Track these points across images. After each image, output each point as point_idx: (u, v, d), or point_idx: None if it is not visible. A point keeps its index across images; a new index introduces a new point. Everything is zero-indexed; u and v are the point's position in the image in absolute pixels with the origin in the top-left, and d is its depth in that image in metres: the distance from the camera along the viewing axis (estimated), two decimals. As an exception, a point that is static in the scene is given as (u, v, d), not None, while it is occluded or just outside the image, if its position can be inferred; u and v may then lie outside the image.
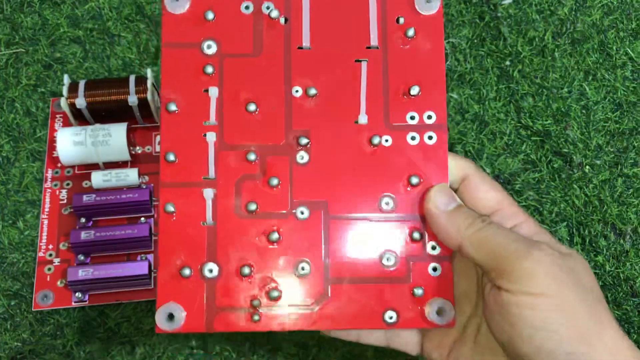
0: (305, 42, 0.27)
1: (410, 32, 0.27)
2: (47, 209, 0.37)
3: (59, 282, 0.35)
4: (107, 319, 0.35)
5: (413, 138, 0.27)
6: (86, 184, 0.38)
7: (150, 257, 0.36)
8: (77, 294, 0.35)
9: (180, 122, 0.26)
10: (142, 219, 0.37)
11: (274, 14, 0.27)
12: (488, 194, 0.28)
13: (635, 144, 0.42)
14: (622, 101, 0.43)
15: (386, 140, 0.27)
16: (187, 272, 0.26)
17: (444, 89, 0.27)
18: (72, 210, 0.36)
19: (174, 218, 0.26)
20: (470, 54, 0.44)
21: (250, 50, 0.27)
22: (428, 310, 0.26)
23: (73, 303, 0.35)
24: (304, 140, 0.27)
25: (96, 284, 0.34)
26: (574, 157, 0.41)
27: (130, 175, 0.37)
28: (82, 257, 0.35)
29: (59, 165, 0.38)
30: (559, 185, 0.40)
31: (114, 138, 0.37)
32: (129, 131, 0.38)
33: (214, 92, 0.27)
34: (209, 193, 0.26)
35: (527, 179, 0.40)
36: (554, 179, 0.41)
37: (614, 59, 0.45)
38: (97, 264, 0.34)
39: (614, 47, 0.45)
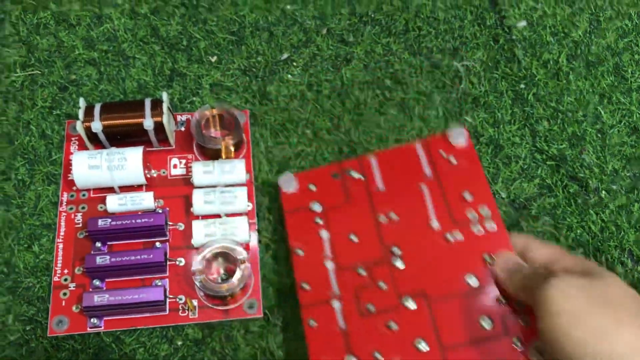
0: (380, 186, 0.37)
1: (453, 161, 0.37)
2: (62, 233, 0.37)
3: (74, 307, 0.35)
4: (123, 345, 0.35)
5: (477, 229, 0.35)
6: (101, 207, 0.38)
7: (165, 282, 0.36)
8: (92, 319, 0.34)
9: (307, 260, 0.35)
10: (158, 243, 0.37)
11: (355, 175, 0.37)
12: (543, 250, 0.33)
13: (652, 169, 0.42)
14: (637, 125, 0.43)
15: (458, 236, 0.35)
16: None
17: (488, 190, 0.36)
18: (87, 234, 0.36)
19: (317, 328, 0.33)
20: (484, 76, 0.44)
21: (343, 201, 0.37)
22: (531, 353, 0.32)
23: (88, 329, 0.34)
24: (396, 251, 0.35)
25: (112, 309, 0.34)
26: (590, 182, 0.41)
27: (146, 200, 0.37)
28: (97, 282, 0.35)
29: (74, 188, 0.38)
30: (575, 211, 0.40)
31: (129, 162, 0.37)
32: (145, 155, 0.38)
33: (325, 234, 0.36)
34: (337, 305, 0.34)
35: (543, 204, 0.40)
36: (570, 204, 0.40)
37: (629, 81, 0.45)
38: (112, 290, 0.34)
39: (629, 70, 0.45)
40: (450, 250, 0.34)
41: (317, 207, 0.37)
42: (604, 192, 0.41)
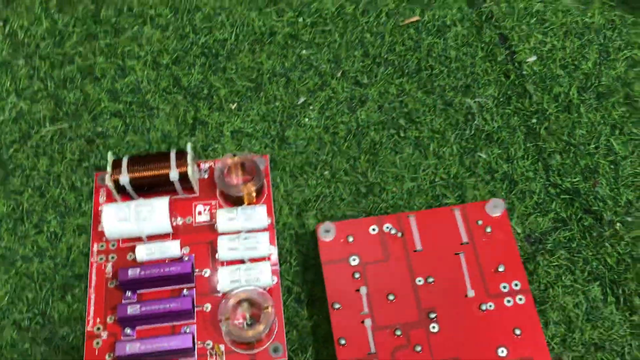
0: (418, 246, 0.38)
1: (488, 229, 0.39)
2: (93, 283, 0.38)
3: (107, 356, 0.36)
4: (154, 391, 0.36)
5: (509, 301, 0.37)
6: (130, 256, 0.39)
7: (194, 328, 0.37)
8: (125, 367, 0.36)
9: (344, 314, 0.36)
10: (185, 290, 0.38)
11: (393, 231, 0.38)
12: None
13: (666, 199, 0.42)
14: (650, 155, 0.44)
15: (490, 306, 0.37)
16: None
17: (521, 265, 0.38)
18: (118, 284, 0.38)
19: None
20: (497, 112, 0.45)
21: (382, 257, 0.38)
22: None
23: (121, 376, 0.36)
24: (432, 315, 0.36)
25: (142, 357, 0.35)
26: (605, 215, 0.42)
27: (172, 248, 0.39)
28: (128, 330, 0.37)
29: (104, 239, 0.40)
30: (591, 244, 0.41)
31: (156, 213, 0.38)
32: (171, 204, 0.39)
33: (363, 290, 0.37)
34: None
35: (558, 238, 0.41)
36: (585, 237, 0.41)
37: (640, 112, 0.45)
38: (143, 339, 0.36)
39: (640, 100, 0.46)
40: (483, 320, 0.36)
41: (355, 261, 0.38)
42: (618, 224, 0.41)
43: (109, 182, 0.39)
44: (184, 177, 0.39)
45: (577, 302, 0.39)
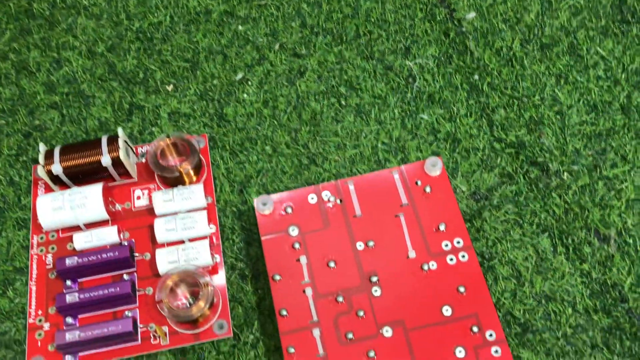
0: (358, 212, 0.38)
1: (427, 189, 0.38)
2: (34, 275, 0.38)
3: (49, 347, 0.36)
4: (99, 378, 0.36)
5: (451, 259, 0.36)
6: (70, 246, 0.39)
7: (136, 311, 0.37)
8: (67, 357, 0.35)
9: (285, 285, 0.36)
10: (125, 275, 0.38)
11: (332, 199, 0.38)
12: None
13: (614, 145, 0.41)
14: (596, 102, 0.43)
15: (432, 265, 0.36)
16: None
17: (462, 222, 0.37)
18: (57, 274, 0.37)
19: (296, 356, 0.34)
20: (438, 72, 0.45)
21: (321, 226, 0.37)
22: None
23: (64, 366, 0.36)
24: (374, 279, 0.36)
25: (84, 345, 0.35)
26: (551, 165, 0.41)
27: (110, 234, 0.38)
28: (70, 320, 0.36)
29: (43, 230, 0.39)
30: (538, 196, 0.40)
31: (90, 200, 0.38)
32: (106, 190, 0.39)
33: (303, 260, 0.36)
34: (316, 332, 0.34)
35: (504, 192, 0.40)
36: (532, 190, 0.40)
37: (585, 59, 0.45)
38: (83, 326, 0.35)
39: (584, 48, 0.45)
40: (426, 279, 0.36)
41: (294, 231, 0.37)
42: (565, 173, 0.41)
43: (42, 173, 0.39)
44: (117, 162, 0.39)
45: (526, 256, 0.38)
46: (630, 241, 0.38)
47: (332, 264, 0.36)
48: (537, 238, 0.39)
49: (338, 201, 0.38)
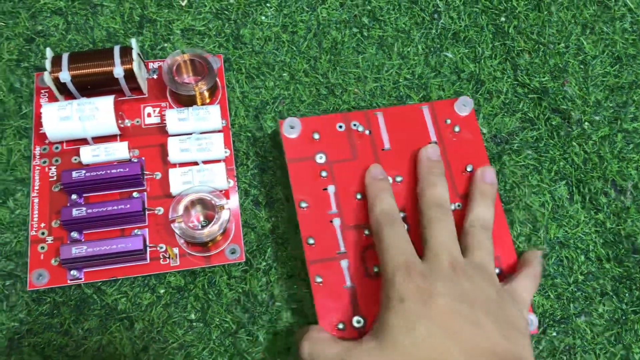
0: (386, 145, 0.36)
1: (456, 129, 0.37)
2: (37, 187, 0.36)
3: (52, 261, 0.34)
4: (104, 296, 0.34)
5: None
6: (75, 159, 0.37)
7: (145, 231, 0.35)
8: (72, 271, 0.34)
9: (312, 214, 0.34)
10: (135, 193, 0.36)
11: (360, 128, 0.37)
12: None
13: (635, 98, 0.41)
14: (621, 54, 0.42)
15: (458, 206, 0.36)
16: (341, 326, 0.32)
17: (488, 163, 0.36)
18: (62, 187, 0.36)
19: (323, 286, 0.33)
20: (464, 10, 0.43)
21: (349, 156, 0.36)
22: None
23: (68, 281, 0.34)
24: (401, 214, 0.35)
25: (91, 261, 0.34)
26: (573, 114, 0.40)
27: (120, 150, 0.36)
28: (75, 235, 0.35)
29: (46, 142, 0.37)
30: (558, 143, 0.40)
31: (101, 112, 0.36)
32: (117, 104, 0.37)
33: (331, 189, 0.35)
34: (344, 263, 0.33)
35: (525, 137, 0.40)
36: (553, 137, 0.40)
37: (612, 10, 0.44)
38: (90, 241, 0.34)
39: (612, -1, 0.44)
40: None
41: (322, 159, 0.35)
42: (586, 123, 0.40)
43: (48, 80, 0.36)
44: (129, 75, 0.37)
45: (543, 202, 0.38)
46: (646, 194, 0.38)
47: (359, 196, 0.35)
48: (555, 185, 0.39)
49: (367, 132, 0.37)
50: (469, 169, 0.36)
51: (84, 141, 0.37)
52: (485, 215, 0.33)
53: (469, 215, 0.33)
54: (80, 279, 0.34)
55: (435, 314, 0.27)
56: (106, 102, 0.36)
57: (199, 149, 0.36)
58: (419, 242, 0.33)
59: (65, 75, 0.36)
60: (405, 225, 0.34)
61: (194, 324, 0.34)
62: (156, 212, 0.36)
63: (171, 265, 0.35)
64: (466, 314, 0.27)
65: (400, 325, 0.27)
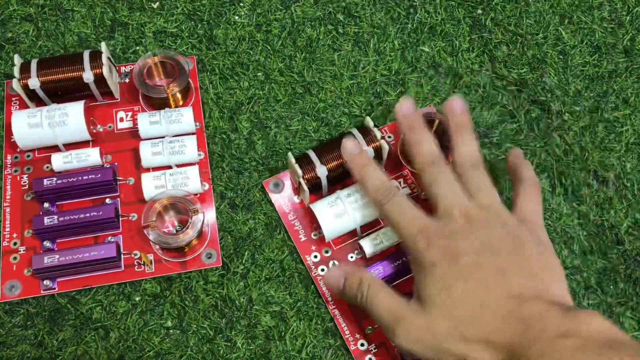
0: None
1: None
2: (8, 197, 0.35)
3: (25, 271, 0.34)
4: (79, 305, 0.34)
5: None
6: (47, 167, 0.36)
7: (119, 238, 0.35)
8: (45, 281, 0.33)
9: None
10: (108, 199, 0.35)
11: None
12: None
13: (615, 87, 0.40)
14: (600, 43, 0.42)
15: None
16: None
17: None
18: (34, 195, 0.35)
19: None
20: (440, 4, 0.43)
21: None
22: None
23: (42, 291, 0.33)
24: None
25: (64, 270, 0.33)
26: (552, 105, 0.40)
27: (92, 156, 0.36)
28: (48, 244, 0.34)
29: (18, 150, 0.37)
30: (538, 135, 0.39)
31: (71, 117, 0.35)
32: (88, 109, 0.36)
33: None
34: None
35: (505, 130, 0.39)
36: (533, 129, 0.39)
37: (590, -1, 0.43)
38: (63, 250, 0.33)
39: (590, -13, 0.43)
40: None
41: None
42: (567, 114, 0.40)
43: (18, 87, 0.36)
44: (100, 80, 0.36)
45: (524, 195, 0.37)
46: (628, 184, 0.38)
47: None
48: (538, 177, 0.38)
49: None
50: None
51: (56, 148, 0.36)
52: (469, 151, 0.32)
53: (454, 155, 0.32)
54: (54, 288, 0.34)
55: (464, 271, 0.28)
56: (76, 108, 0.35)
57: (171, 153, 0.36)
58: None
59: (34, 82, 0.35)
60: (404, 190, 0.34)
61: (171, 331, 0.33)
62: (130, 218, 0.35)
63: (146, 271, 0.34)
64: (491, 264, 0.28)
65: (438, 288, 0.28)
